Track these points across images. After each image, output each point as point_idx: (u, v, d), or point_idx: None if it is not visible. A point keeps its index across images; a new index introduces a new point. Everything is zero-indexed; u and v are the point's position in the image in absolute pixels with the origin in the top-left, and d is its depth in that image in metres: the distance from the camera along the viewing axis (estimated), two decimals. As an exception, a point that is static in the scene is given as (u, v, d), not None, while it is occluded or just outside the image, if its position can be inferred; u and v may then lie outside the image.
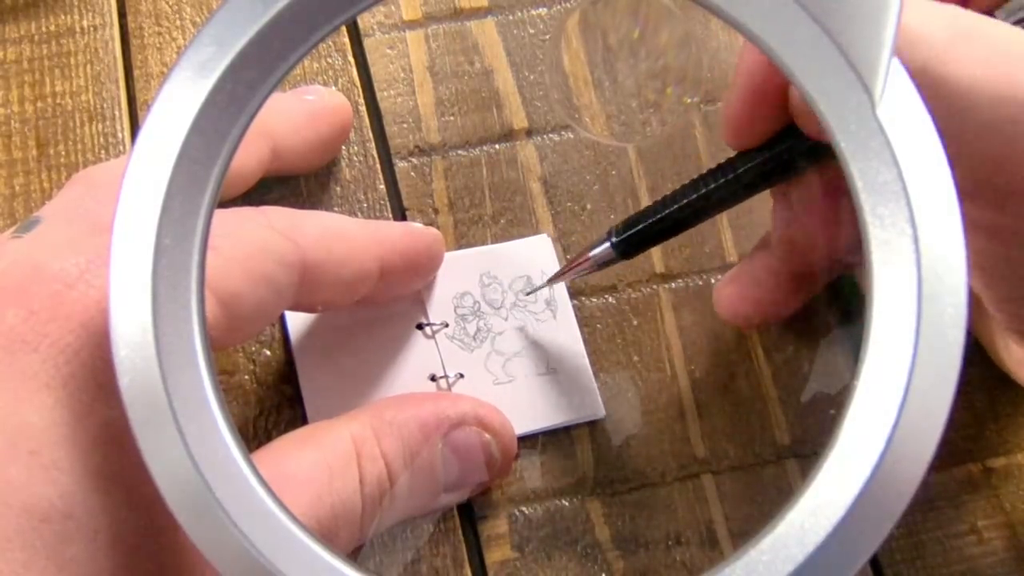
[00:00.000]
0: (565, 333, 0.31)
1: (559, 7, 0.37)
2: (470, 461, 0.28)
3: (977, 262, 0.25)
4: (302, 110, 0.32)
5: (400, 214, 0.33)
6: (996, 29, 0.22)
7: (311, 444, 0.25)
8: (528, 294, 0.32)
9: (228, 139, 0.19)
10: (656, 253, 0.33)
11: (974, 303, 0.28)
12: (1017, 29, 0.22)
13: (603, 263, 0.29)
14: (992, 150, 0.21)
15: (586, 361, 0.31)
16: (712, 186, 0.27)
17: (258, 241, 0.24)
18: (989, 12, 0.24)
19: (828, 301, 0.32)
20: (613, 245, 0.28)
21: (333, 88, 0.34)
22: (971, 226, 0.23)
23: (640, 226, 0.28)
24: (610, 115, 0.35)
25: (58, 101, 0.34)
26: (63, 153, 0.34)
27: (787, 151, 0.26)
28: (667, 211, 0.28)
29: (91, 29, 0.36)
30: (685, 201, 0.27)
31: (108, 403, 0.21)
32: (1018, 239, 0.23)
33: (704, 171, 0.27)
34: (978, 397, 0.32)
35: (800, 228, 0.28)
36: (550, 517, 0.30)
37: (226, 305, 0.23)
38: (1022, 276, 0.25)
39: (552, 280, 0.31)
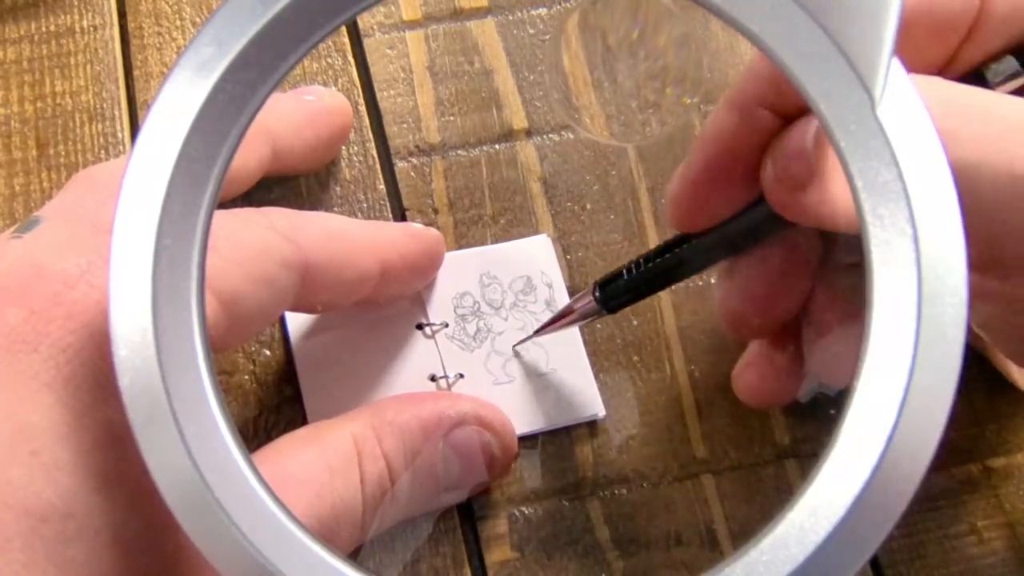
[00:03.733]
0: (565, 333, 0.31)
1: (559, 7, 0.37)
2: (470, 461, 0.28)
3: (986, 324, 0.25)
4: (302, 110, 0.32)
5: (400, 214, 0.33)
6: (992, 105, 0.21)
7: (312, 444, 0.25)
8: (516, 346, 0.31)
9: (228, 139, 0.19)
10: (656, 253, 0.33)
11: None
12: (1009, 99, 0.22)
13: (587, 315, 0.29)
14: (994, 228, 0.21)
15: (586, 361, 0.31)
16: (698, 241, 0.26)
17: (259, 242, 0.24)
18: (976, 71, 0.24)
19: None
20: (596, 299, 0.28)
21: (333, 88, 0.34)
22: (978, 294, 0.23)
23: (624, 280, 0.28)
24: (610, 115, 0.35)
25: (58, 101, 0.34)
26: (63, 153, 0.34)
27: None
28: (651, 265, 0.27)
29: (91, 29, 0.36)
30: (669, 256, 0.27)
31: (108, 403, 0.21)
32: (1022, 307, 0.23)
33: None
34: (978, 397, 0.32)
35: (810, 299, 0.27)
36: (550, 517, 0.30)
37: (226, 305, 0.23)
38: None
39: (537, 332, 0.31)
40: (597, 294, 0.28)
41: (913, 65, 0.20)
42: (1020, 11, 0.23)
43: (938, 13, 0.23)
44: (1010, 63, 0.24)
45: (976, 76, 0.24)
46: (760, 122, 0.24)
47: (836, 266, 0.26)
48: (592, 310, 0.29)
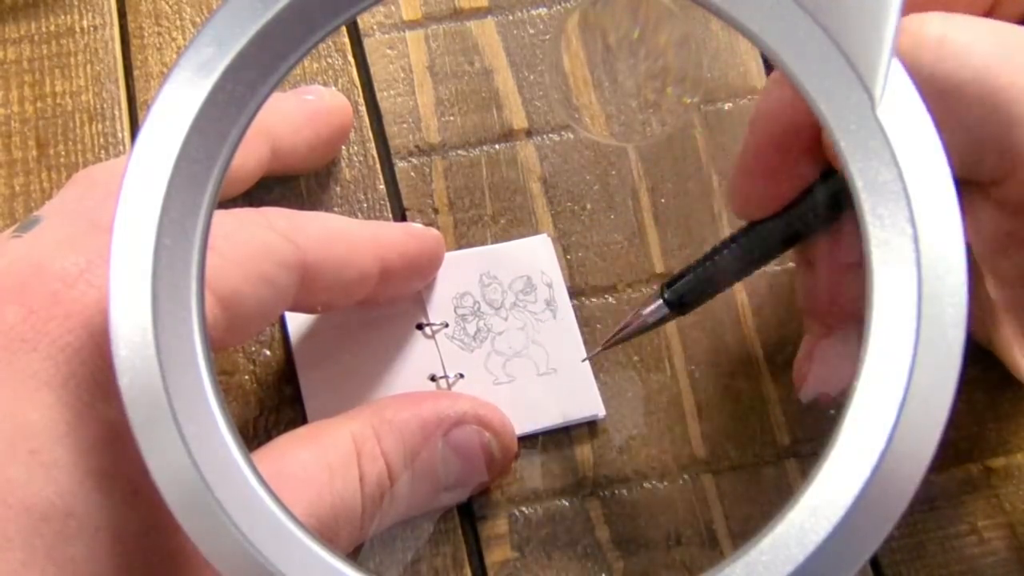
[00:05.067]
0: (565, 333, 0.31)
1: (559, 7, 0.37)
2: (470, 460, 0.28)
3: (1018, 277, 0.24)
4: (302, 110, 0.32)
5: (400, 214, 0.33)
6: None
7: (311, 443, 0.25)
8: (584, 360, 0.31)
9: (228, 139, 0.19)
10: (656, 253, 0.33)
11: (989, 315, 0.27)
12: None
13: (658, 320, 0.28)
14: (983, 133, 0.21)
15: (586, 361, 0.31)
16: (765, 231, 0.25)
17: (258, 242, 0.24)
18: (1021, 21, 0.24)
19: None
20: (666, 300, 0.27)
21: (333, 88, 0.34)
22: (1016, 241, 0.22)
23: (691, 279, 0.27)
24: (610, 115, 0.35)
25: (58, 101, 0.34)
26: (63, 153, 0.34)
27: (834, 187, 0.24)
28: (719, 259, 0.26)
29: (91, 29, 0.36)
30: (736, 247, 0.26)
31: (108, 402, 0.21)
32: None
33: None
34: (978, 397, 0.32)
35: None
36: (550, 517, 0.30)
37: (226, 305, 0.23)
38: None
39: (607, 345, 0.30)
40: (665, 296, 0.27)
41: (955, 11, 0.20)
42: None
43: None
44: None
45: None
46: None
47: None
48: (662, 313, 0.28)
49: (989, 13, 0.24)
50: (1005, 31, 0.21)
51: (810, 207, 0.25)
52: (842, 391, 0.28)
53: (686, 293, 0.27)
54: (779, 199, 0.25)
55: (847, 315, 0.27)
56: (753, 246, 0.26)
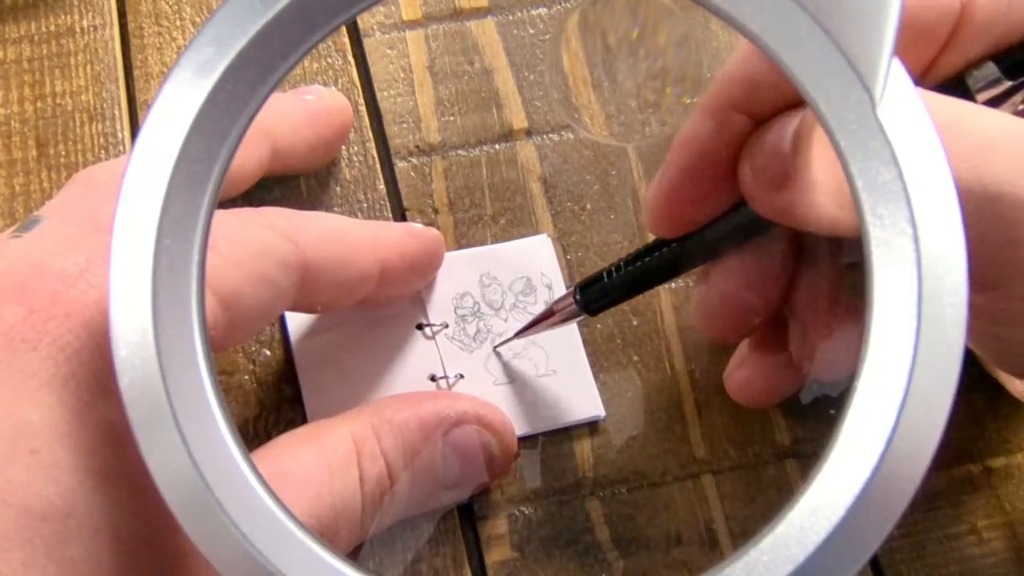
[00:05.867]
0: (565, 333, 0.31)
1: (559, 7, 0.37)
2: (470, 460, 0.28)
3: (974, 339, 0.26)
4: (302, 110, 0.32)
5: (400, 214, 0.33)
6: (967, 119, 0.21)
7: (311, 443, 0.25)
8: (496, 347, 0.31)
9: (228, 139, 0.19)
10: (656, 253, 0.33)
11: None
12: (983, 111, 0.22)
13: (569, 317, 0.29)
14: (982, 248, 0.21)
15: (586, 361, 0.31)
16: (678, 245, 0.26)
17: (258, 242, 0.24)
18: (957, 77, 0.24)
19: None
20: (577, 301, 0.28)
21: (333, 88, 0.34)
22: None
23: (604, 282, 0.28)
24: (610, 115, 0.35)
25: (58, 101, 0.34)
26: (63, 153, 0.34)
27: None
28: (631, 269, 0.27)
29: (91, 29, 0.36)
30: (648, 260, 0.27)
31: (108, 401, 0.21)
32: (1007, 318, 0.24)
33: None
34: (978, 397, 0.32)
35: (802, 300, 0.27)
36: (550, 517, 0.30)
37: (226, 305, 0.23)
38: (1014, 352, 0.25)
39: (519, 334, 0.31)
40: (578, 296, 0.28)
41: None
42: (1000, 17, 0.23)
43: (916, 21, 0.23)
44: (991, 69, 0.24)
45: (958, 82, 0.24)
46: (736, 126, 0.24)
47: (817, 262, 0.26)
48: (574, 312, 0.29)
49: (923, 74, 0.24)
50: (945, 114, 0.21)
51: (722, 231, 0.25)
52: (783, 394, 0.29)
53: (596, 299, 0.28)
54: (691, 222, 0.25)
55: (748, 327, 0.28)
56: (665, 259, 0.26)
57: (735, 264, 0.26)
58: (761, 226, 0.24)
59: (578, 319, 0.29)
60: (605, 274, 0.28)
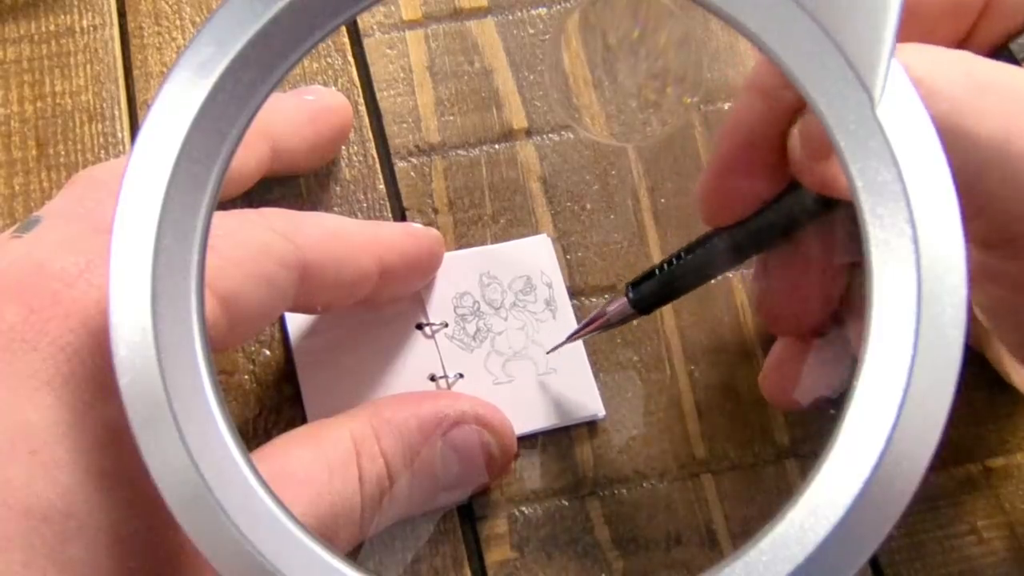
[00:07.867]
0: (565, 333, 0.31)
1: (559, 7, 0.37)
2: (470, 460, 0.28)
3: (991, 308, 0.25)
4: (302, 110, 0.32)
5: (400, 214, 0.33)
6: (1013, 79, 0.21)
7: (311, 442, 0.25)
8: (549, 352, 0.31)
9: (228, 139, 0.19)
10: (656, 253, 0.33)
11: (980, 326, 0.27)
12: None
13: (622, 318, 0.28)
14: (1011, 203, 0.21)
15: (586, 361, 0.31)
16: (730, 237, 0.26)
17: (257, 242, 0.24)
18: (1004, 45, 0.24)
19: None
20: (629, 299, 0.28)
21: (333, 88, 0.34)
22: (986, 275, 0.22)
23: (656, 280, 0.27)
24: (610, 115, 0.35)
25: (58, 101, 0.34)
26: (63, 153, 0.34)
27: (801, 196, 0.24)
28: (683, 262, 0.27)
29: (91, 29, 0.36)
30: (701, 252, 0.26)
31: (108, 402, 0.21)
32: None
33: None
34: (978, 397, 0.32)
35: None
36: (550, 517, 0.30)
37: (226, 305, 0.23)
38: None
39: (571, 338, 0.30)
40: (630, 295, 0.28)
41: (928, 42, 0.20)
42: None
43: None
44: None
45: (1004, 50, 0.24)
46: (785, 102, 0.23)
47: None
48: (626, 312, 0.28)
49: (966, 40, 0.24)
50: (978, 70, 0.21)
51: (775, 216, 0.25)
52: (820, 397, 0.28)
53: (649, 295, 0.27)
54: (746, 208, 0.25)
55: (814, 321, 0.27)
56: (718, 251, 0.26)
57: (793, 255, 0.26)
58: (814, 212, 0.24)
59: (630, 319, 0.28)
60: (656, 270, 0.27)
